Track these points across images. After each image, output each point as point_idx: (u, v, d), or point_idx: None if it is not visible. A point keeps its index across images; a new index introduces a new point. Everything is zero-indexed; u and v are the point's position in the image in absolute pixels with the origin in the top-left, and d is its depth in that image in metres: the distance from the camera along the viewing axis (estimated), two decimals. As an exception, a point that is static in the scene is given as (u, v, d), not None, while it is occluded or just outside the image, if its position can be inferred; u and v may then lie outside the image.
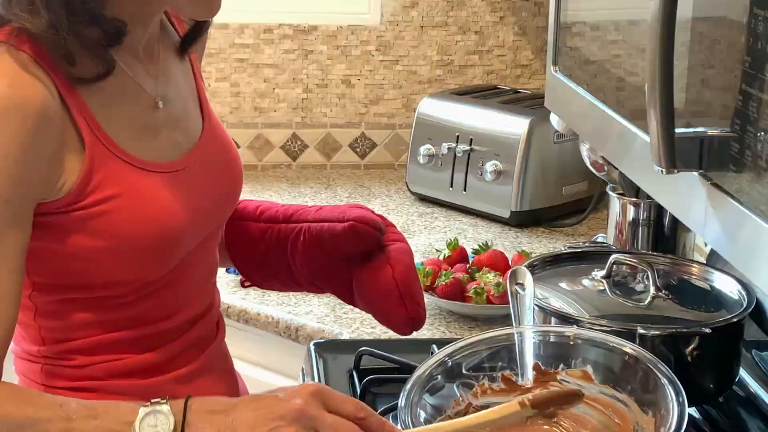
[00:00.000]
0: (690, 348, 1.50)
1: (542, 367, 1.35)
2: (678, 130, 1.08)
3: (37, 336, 1.32)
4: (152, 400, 1.15)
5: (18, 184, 1.17)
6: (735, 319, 1.54)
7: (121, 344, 1.34)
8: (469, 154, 2.53)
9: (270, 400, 1.17)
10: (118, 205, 1.25)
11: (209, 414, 1.16)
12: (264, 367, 1.89)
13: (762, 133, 0.96)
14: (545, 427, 1.30)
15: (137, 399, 1.18)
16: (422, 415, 1.29)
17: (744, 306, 1.57)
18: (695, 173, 1.11)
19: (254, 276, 1.59)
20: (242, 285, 2.03)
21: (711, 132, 1.08)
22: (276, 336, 1.97)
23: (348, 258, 1.49)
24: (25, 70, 1.17)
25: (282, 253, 1.52)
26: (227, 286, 1.76)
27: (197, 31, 1.44)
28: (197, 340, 1.42)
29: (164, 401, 1.15)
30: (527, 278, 1.47)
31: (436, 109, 2.62)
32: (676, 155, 1.08)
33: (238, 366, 1.58)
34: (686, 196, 1.15)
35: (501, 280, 1.98)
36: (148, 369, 1.35)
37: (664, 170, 1.08)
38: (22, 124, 1.16)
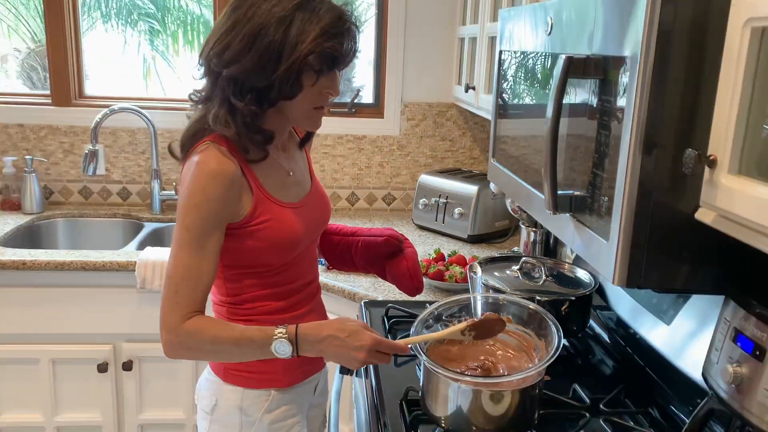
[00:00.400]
0: (564, 307, 1.49)
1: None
2: (559, 192, 1.06)
3: (225, 292, 1.30)
4: (277, 329, 1.14)
5: (219, 215, 1.17)
6: (587, 293, 1.54)
7: (269, 297, 1.30)
8: (446, 204, 2.50)
9: (347, 344, 1.14)
10: (270, 225, 1.23)
11: (310, 343, 1.14)
12: (337, 314, 1.90)
13: (603, 196, 0.96)
14: (487, 347, 1.28)
15: None
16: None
17: (592, 286, 1.57)
18: (568, 215, 1.09)
19: (333, 264, 1.53)
20: (327, 269, 2.03)
21: (576, 193, 1.06)
22: (343, 298, 1.96)
23: (383, 255, 1.45)
24: (224, 155, 1.17)
25: (348, 252, 1.48)
26: (319, 270, 1.76)
27: (309, 136, 1.42)
28: (308, 295, 1.38)
29: (283, 329, 1.14)
30: (478, 268, 1.46)
31: (428, 180, 2.59)
32: (558, 205, 1.07)
33: (325, 313, 1.55)
34: (563, 226, 1.12)
35: (463, 270, 1.97)
36: (282, 311, 1.31)
37: (551, 212, 1.07)
38: (222, 184, 1.15)
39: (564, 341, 1.59)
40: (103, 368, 2.16)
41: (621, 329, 1.54)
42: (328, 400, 1.52)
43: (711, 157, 0.80)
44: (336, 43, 1.14)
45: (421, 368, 1.25)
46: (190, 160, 1.18)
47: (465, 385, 1.14)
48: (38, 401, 2.19)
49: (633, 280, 0.91)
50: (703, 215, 0.85)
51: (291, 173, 1.33)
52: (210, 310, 1.25)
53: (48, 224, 2.58)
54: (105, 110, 2.49)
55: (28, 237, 2.48)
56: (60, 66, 2.62)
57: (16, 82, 3.33)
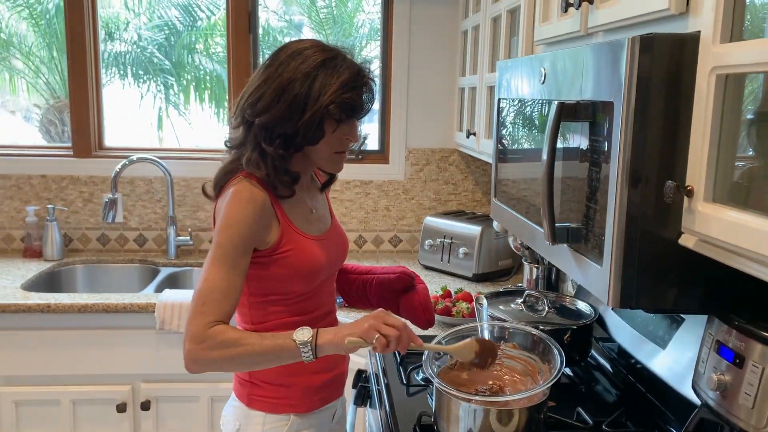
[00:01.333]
0: (566, 336, 1.55)
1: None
2: (557, 225, 1.12)
3: (249, 318, 1.37)
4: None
5: (250, 237, 1.25)
6: (588, 323, 1.60)
7: (292, 325, 1.31)
8: (450, 245, 2.56)
9: (359, 320, 1.21)
10: (294, 253, 1.32)
11: (327, 330, 1.21)
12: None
13: (596, 227, 1.02)
14: (494, 372, 1.34)
15: None
16: (433, 366, 1.31)
17: (592, 317, 1.63)
18: (566, 245, 1.15)
19: (350, 301, 1.59)
20: (343, 305, 2.05)
21: (572, 225, 1.12)
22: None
23: (396, 291, 1.52)
24: (256, 187, 1.27)
25: (364, 290, 1.55)
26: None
27: (330, 180, 1.52)
28: (328, 323, 1.44)
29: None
30: (484, 300, 1.53)
31: (433, 222, 2.66)
32: (556, 237, 1.12)
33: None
34: (562, 257, 1.18)
35: (469, 306, 2.03)
36: None
37: (551, 243, 1.13)
38: (254, 209, 1.25)
39: (567, 370, 1.67)
40: (121, 408, 2.22)
41: (621, 357, 1.61)
42: (345, 428, 1.58)
43: (688, 188, 0.90)
44: (354, 95, 1.26)
45: (434, 393, 1.32)
46: (225, 192, 1.28)
47: (475, 405, 1.20)
48: (58, 442, 2.25)
49: (626, 301, 0.98)
50: (686, 240, 0.94)
51: (313, 211, 1.42)
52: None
53: (68, 270, 2.67)
54: (124, 161, 2.61)
55: (50, 283, 2.56)
56: (81, 119, 2.76)
57: (22, 136, 3.47)
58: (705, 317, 1.06)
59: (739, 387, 0.87)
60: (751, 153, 0.88)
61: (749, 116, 0.87)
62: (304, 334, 1.19)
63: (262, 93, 1.26)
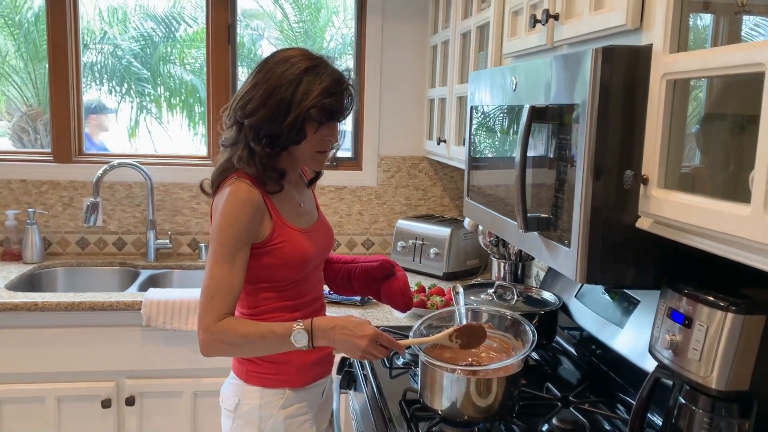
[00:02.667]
0: (534, 321, 1.65)
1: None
2: (529, 215, 1.22)
3: (245, 305, 1.45)
4: (296, 322, 1.31)
5: (247, 234, 1.34)
6: (553, 309, 1.71)
7: (283, 309, 1.44)
8: (422, 246, 2.66)
9: (353, 334, 1.29)
10: (285, 245, 1.40)
11: (323, 331, 1.30)
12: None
13: (564, 214, 1.13)
14: (473, 350, 1.42)
15: None
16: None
17: (558, 304, 1.74)
18: (536, 233, 1.25)
19: (335, 289, 1.67)
20: (329, 293, 2.09)
21: (542, 215, 1.22)
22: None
23: (378, 278, 1.61)
24: (250, 186, 1.35)
25: (348, 278, 1.63)
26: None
27: (316, 177, 1.60)
28: (317, 308, 1.54)
29: (301, 322, 1.30)
30: (460, 288, 1.61)
31: (405, 225, 2.75)
32: (528, 225, 1.23)
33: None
34: (533, 243, 1.28)
35: (443, 299, 2.14)
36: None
37: (524, 231, 1.23)
38: (250, 208, 1.33)
39: (534, 354, 1.79)
40: (106, 404, 2.25)
41: (584, 341, 1.74)
42: (332, 404, 1.67)
43: (644, 176, 1.03)
44: (333, 100, 1.36)
45: (419, 369, 1.42)
46: (222, 191, 1.36)
47: (459, 375, 1.31)
48: (41, 439, 2.27)
49: (591, 278, 1.10)
50: (642, 223, 1.07)
51: (301, 205, 1.51)
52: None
53: (48, 273, 2.69)
54: (105, 166, 2.65)
55: (31, 284, 2.58)
56: (62, 126, 2.80)
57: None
58: (656, 300, 1.19)
59: (688, 344, 1.01)
60: (695, 146, 1.03)
61: (694, 115, 1.02)
62: (301, 337, 1.30)
63: (252, 96, 1.35)
